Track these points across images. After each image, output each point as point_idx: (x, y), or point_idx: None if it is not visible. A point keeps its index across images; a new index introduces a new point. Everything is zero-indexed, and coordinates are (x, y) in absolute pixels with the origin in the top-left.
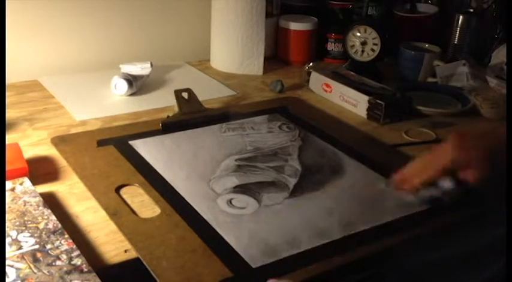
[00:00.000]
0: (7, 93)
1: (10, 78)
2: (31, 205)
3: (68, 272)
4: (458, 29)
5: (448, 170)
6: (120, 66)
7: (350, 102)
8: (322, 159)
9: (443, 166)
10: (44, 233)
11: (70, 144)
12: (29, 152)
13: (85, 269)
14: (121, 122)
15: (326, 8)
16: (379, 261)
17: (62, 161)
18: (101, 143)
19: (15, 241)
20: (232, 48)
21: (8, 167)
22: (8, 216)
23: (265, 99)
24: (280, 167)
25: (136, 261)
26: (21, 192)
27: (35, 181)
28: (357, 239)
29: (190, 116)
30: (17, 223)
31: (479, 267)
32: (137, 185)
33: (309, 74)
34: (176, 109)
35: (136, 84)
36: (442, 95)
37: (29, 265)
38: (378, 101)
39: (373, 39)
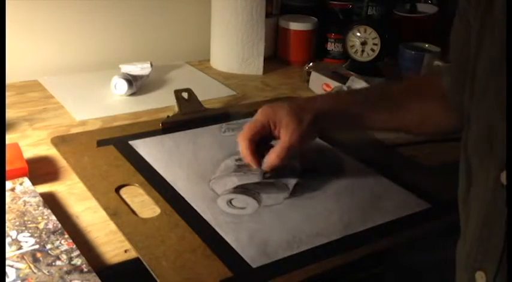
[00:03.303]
0: (7, 93)
1: (10, 78)
2: (31, 205)
3: (68, 272)
4: None
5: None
6: (120, 66)
7: None
8: (322, 159)
9: (258, 130)
10: (44, 233)
11: (70, 144)
12: (29, 152)
13: (85, 269)
14: (121, 122)
15: (326, 8)
16: (379, 261)
17: (61, 161)
18: (100, 143)
19: (15, 241)
20: (232, 48)
21: (8, 167)
22: (8, 216)
23: (265, 99)
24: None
25: (136, 261)
26: (21, 192)
27: (34, 181)
28: (357, 239)
29: (190, 116)
30: (17, 223)
31: None
32: (137, 185)
33: (309, 74)
34: (176, 109)
35: (136, 84)
36: None
37: (29, 265)
38: None
39: (373, 39)
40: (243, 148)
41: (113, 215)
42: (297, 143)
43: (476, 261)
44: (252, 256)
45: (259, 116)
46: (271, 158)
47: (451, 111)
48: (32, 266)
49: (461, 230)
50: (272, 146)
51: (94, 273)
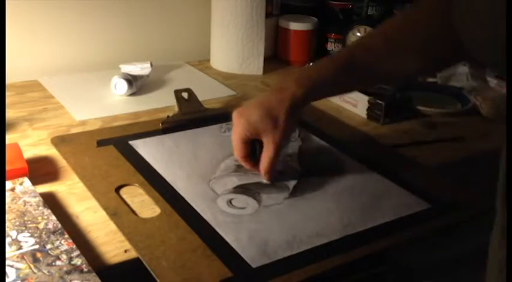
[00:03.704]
0: (7, 93)
1: (10, 78)
2: (31, 205)
3: (68, 272)
4: None
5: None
6: (120, 66)
7: (350, 102)
8: (322, 159)
9: (244, 145)
10: (44, 233)
11: (70, 144)
12: (29, 152)
13: (85, 269)
14: (121, 122)
15: (326, 8)
16: (379, 261)
17: (61, 161)
18: (100, 143)
19: (15, 241)
20: (232, 48)
21: (8, 167)
22: (8, 216)
23: None
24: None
25: (136, 261)
26: (21, 192)
27: (35, 181)
28: (357, 239)
29: (190, 116)
30: (17, 223)
31: (480, 267)
32: (137, 185)
33: None
34: (176, 109)
35: (136, 84)
36: (442, 95)
37: (29, 265)
38: (378, 101)
39: None
40: (244, 165)
41: (113, 215)
42: (280, 142)
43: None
44: (252, 256)
45: (237, 129)
46: (264, 166)
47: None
48: (32, 266)
49: (498, 222)
50: None
51: (94, 273)
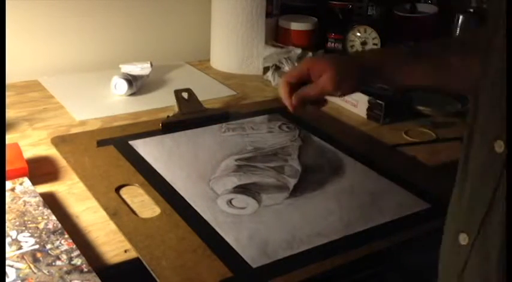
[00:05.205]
0: (7, 93)
1: (10, 78)
2: (31, 205)
3: (68, 272)
4: (458, 29)
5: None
6: (120, 66)
7: (350, 102)
8: (322, 159)
9: (298, 73)
10: (44, 233)
11: (70, 144)
12: (29, 152)
13: (85, 269)
14: (121, 122)
15: (326, 8)
16: (379, 261)
17: (62, 161)
18: (100, 143)
19: (15, 241)
20: (232, 48)
21: (8, 167)
22: (8, 216)
23: (265, 99)
24: (280, 167)
25: (136, 261)
26: (21, 192)
27: (35, 181)
28: (357, 239)
29: (190, 116)
30: (17, 223)
31: None
32: (137, 185)
33: None
34: (176, 109)
35: (136, 84)
36: (442, 95)
37: (29, 265)
38: (378, 101)
39: (373, 39)
40: (281, 88)
41: (113, 215)
42: (332, 86)
43: (461, 223)
44: (252, 256)
45: (302, 63)
46: (299, 92)
47: None
48: (32, 266)
49: (456, 193)
50: None
51: (94, 273)
